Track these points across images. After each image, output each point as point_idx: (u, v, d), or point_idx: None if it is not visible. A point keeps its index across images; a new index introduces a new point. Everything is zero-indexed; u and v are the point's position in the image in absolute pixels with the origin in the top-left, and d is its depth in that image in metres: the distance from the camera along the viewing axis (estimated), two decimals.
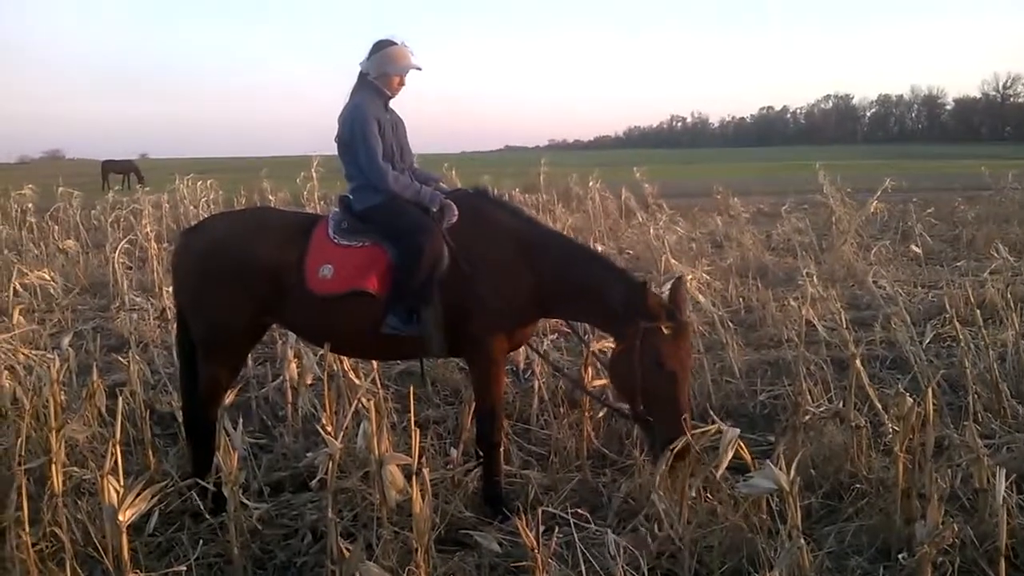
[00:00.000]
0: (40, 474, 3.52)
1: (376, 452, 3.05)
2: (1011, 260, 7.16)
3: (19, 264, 8.19)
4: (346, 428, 3.41)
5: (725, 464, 3.14)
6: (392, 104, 4.11)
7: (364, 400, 3.59)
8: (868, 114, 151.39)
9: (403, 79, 4.06)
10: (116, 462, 2.68)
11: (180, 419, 4.26)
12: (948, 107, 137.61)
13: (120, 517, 2.58)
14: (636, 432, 4.45)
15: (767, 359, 6.20)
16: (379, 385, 4.93)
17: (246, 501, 3.55)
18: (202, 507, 3.66)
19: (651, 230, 9.81)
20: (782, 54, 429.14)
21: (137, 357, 4.83)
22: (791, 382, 4.96)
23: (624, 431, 4.67)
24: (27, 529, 3.07)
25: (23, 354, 4.56)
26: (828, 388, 4.96)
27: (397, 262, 3.79)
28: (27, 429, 3.52)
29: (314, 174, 15.90)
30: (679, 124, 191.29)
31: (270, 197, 18.71)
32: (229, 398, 4.12)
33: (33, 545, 3.11)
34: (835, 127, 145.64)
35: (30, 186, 16.05)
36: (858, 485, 3.85)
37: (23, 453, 3.31)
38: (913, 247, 9.21)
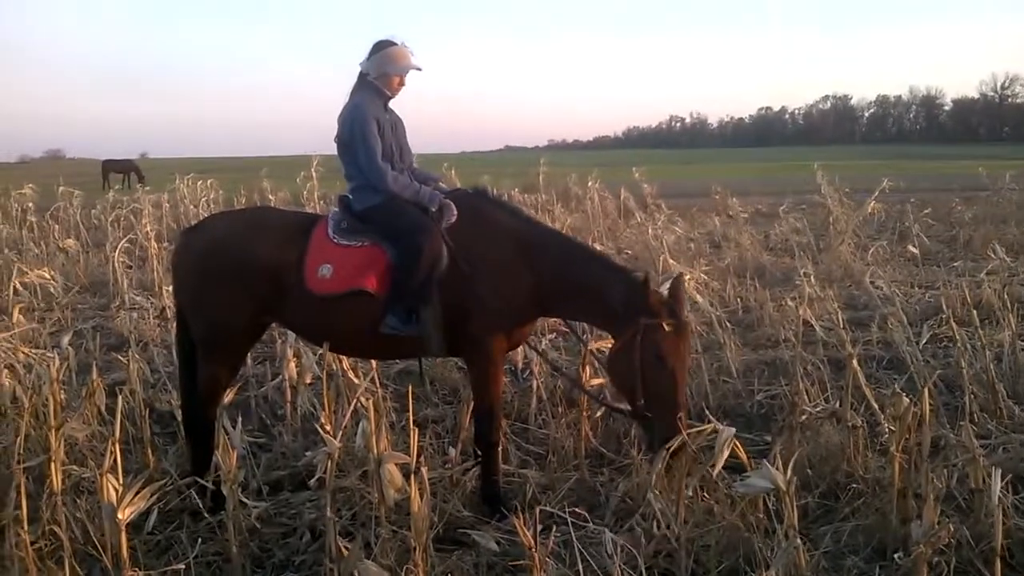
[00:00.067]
0: (39, 472, 3.53)
1: (375, 451, 3.06)
2: (1008, 261, 7.17)
3: (19, 263, 8.20)
4: (345, 427, 3.42)
5: (721, 463, 3.15)
6: (392, 104, 4.12)
7: (363, 399, 3.60)
8: (866, 115, 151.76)
9: (403, 79, 4.07)
10: (115, 460, 2.69)
11: (179, 418, 4.27)
12: (946, 108, 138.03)
13: (119, 515, 2.59)
14: (634, 432, 4.47)
15: (764, 359, 6.22)
16: (378, 384, 4.94)
17: (245, 500, 3.57)
18: (201, 506, 3.68)
19: (649, 230, 9.81)
20: (781, 55, 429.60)
21: (137, 356, 4.83)
22: (788, 382, 4.97)
23: (622, 431, 4.68)
24: (26, 527, 3.08)
25: (23, 352, 4.57)
26: (825, 388, 4.97)
27: (396, 262, 3.80)
28: (26, 427, 3.53)
29: (314, 174, 15.90)
30: (678, 124, 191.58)
31: (270, 197, 18.71)
32: (228, 397, 4.13)
33: (32, 543, 3.11)
34: (833, 128, 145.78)
35: (30, 185, 16.04)
36: (854, 485, 3.86)
37: (22, 451, 3.32)
38: (910, 247, 9.22)
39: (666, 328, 3.49)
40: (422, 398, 5.39)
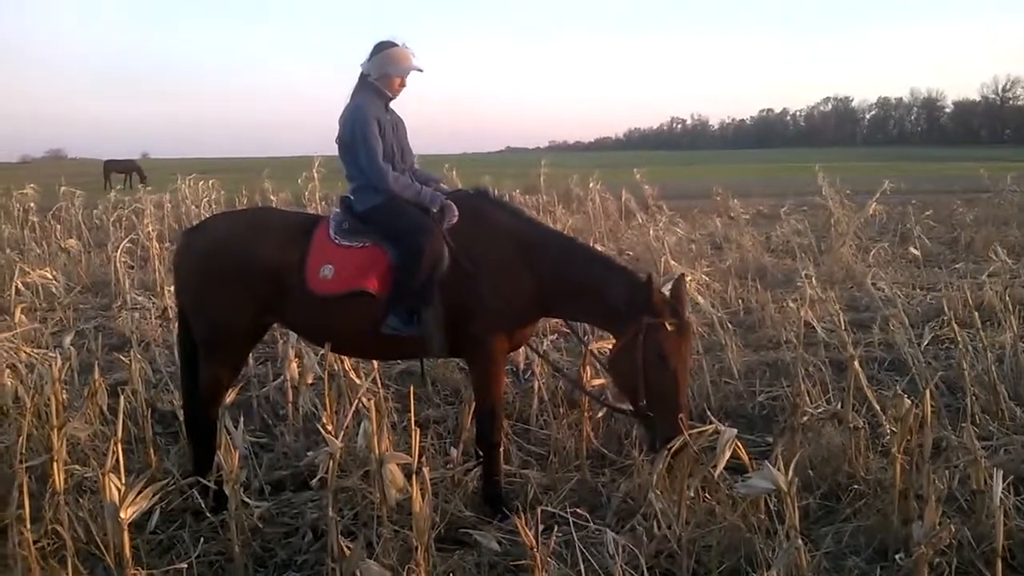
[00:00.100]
0: (42, 472, 3.54)
1: (376, 451, 3.06)
2: (1009, 263, 7.18)
3: (21, 263, 8.19)
4: (346, 427, 3.42)
5: (723, 464, 3.15)
6: (393, 105, 4.13)
7: (364, 399, 3.61)
8: (867, 116, 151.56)
9: (404, 80, 4.07)
10: (117, 460, 2.70)
11: (181, 417, 4.27)
12: (947, 110, 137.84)
13: (121, 515, 2.60)
14: (635, 432, 4.48)
15: (766, 360, 6.22)
16: (379, 385, 4.95)
17: (247, 499, 3.57)
18: (203, 505, 3.69)
19: (651, 231, 9.83)
20: (782, 56, 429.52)
21: (139, 356, 4.84)
22: (790, 383, 4.97)
23: (623, 431, 4.68)
24: (29, 527, 3.08)
25: (25, 352, 4.57)
26: (826, 389, 4.97)
27: (397, 262, 3.80)
28: (29, 427, 3.54)
29: (315, 175, 15.90)
30: (679, 126, 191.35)
31: (272, 197, 18.72)
32: (230, 397, 4.14)
33: (35, 543, 3.12)
34: (834, 129, 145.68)
35: (32, 185, 16.05)
36: (856, 486, 3.86)
37: (25, 451, 3.33)
38: (912, 249, 9.23)
39: (669, 328, 3.50)
40: (424, 398, 5.40)
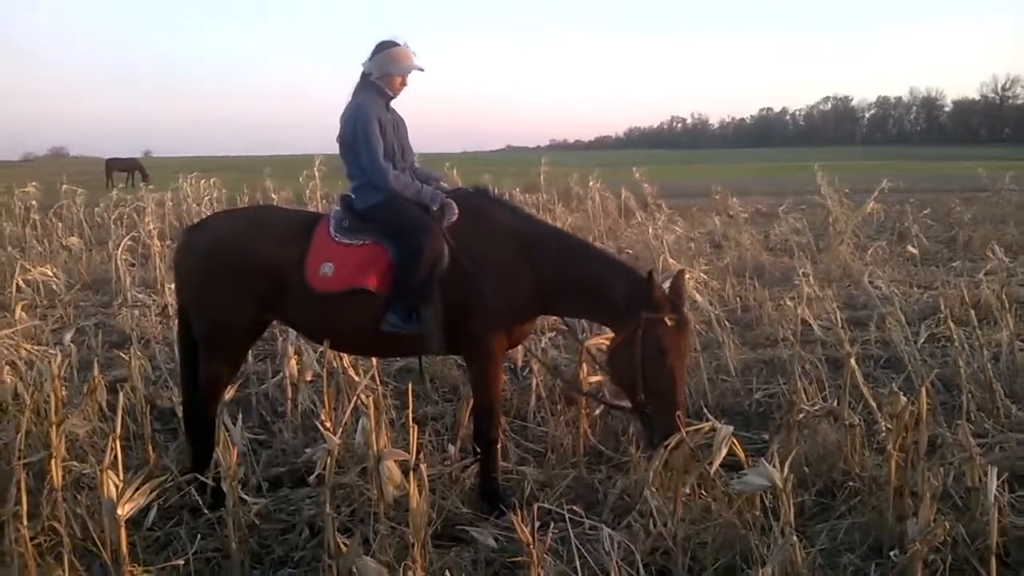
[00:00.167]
0: (40, 468, 3.54)
1: (374, 448, 3.08)
2: (1006, 261, 7.16)
3: (22, 260, 8.23)
4: (345, 424, 3.44)
5: (719, 461, 3.16)
6: (393, 104, 4.14)
7: (363, 396, 3.61)
8: (867, 116, 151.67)
9: (405, 79, 4.08)
10: (116, 457, 2.70)
11: (180, 414, 4.28)
12: (947, 109, 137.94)
13: (119, 511, 2.61)
14: (632, 429, 4.49)
15: (763, 358, 6.24)
16: (378, 382, 4.95)
17: (245, 496, 3.58)
18: (201, 502, 3.70)
19: (650, 230, 9.84)
20: (782, 56, 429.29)
21: (138, 353, 4.86)
22: (786, 381, 4.98)
23: (620, 428, 4.70)
24: (26, 523, 3.08)
25: (25, 349, 4.57)
26: (823, 387, 4.99)
27: (397, 260, 3.81)
28: (28, 424, 3.55)
29: (316, 173, 15.90)
30: (679, 125, 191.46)
31: (273, 196, 18.72)
32: (229, 394, 4.15)
33: (32, 539, 3.12)
34: (834, 128, 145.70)
35: (34, 183, 16.08)
36: (851, 483, 3.88)
37: (23, 447, 3.35)
38: (909, 248, 9.25)
39: (668, 323, 3.51)
40: (422, 395, 5.41)
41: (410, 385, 3.22)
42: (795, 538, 2.88)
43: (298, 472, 4.27)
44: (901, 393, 3.48)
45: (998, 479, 2.94)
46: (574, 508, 3.42)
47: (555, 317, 5.19)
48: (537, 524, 2.68)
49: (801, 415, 4.14)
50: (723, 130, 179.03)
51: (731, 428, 3.21)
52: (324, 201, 15.54)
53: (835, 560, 3.35)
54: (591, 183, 15.38)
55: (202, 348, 3.98)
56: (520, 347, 4.86)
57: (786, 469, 2.90)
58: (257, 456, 4.35)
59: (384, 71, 4.01)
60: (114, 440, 2.74)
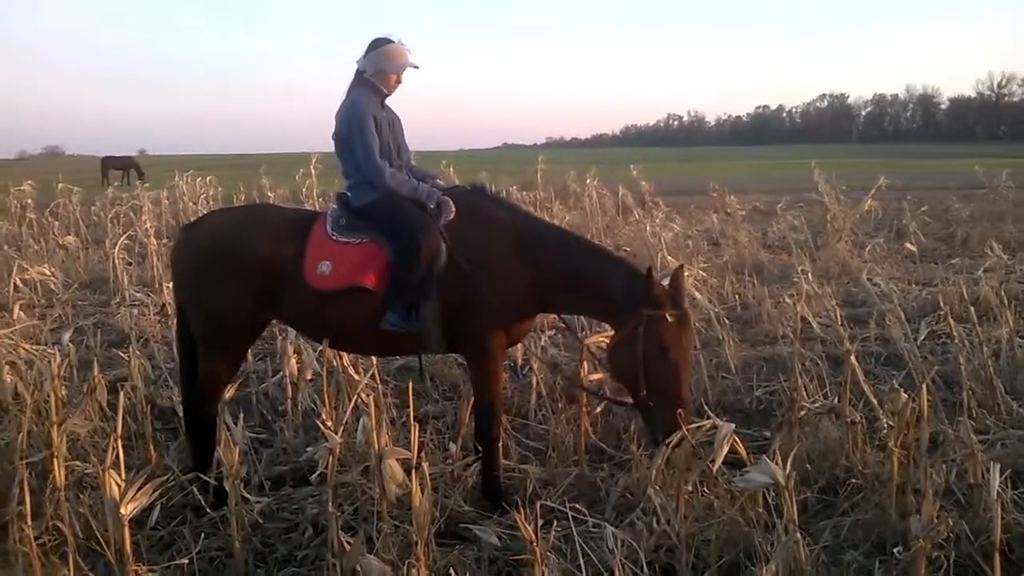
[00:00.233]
0: (42, 468, 3.54)
1: (376, 447, 3.07)
2: (1005, 258, 7.18)
3: (19, 260, 8.20)
4: (346, 423, 3.43)
5: (721, 459, 3.16)
6: (389, 102, 4.13)
7: (363, 395, 3.61)
8: (863, 113, 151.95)
9: (400, 77, 4.07)
10: (117, 456, 2.70)
11: (181, 414, 4.28)
12: (943, 106, 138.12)
13: (122, 511, 2.60)
14: (633, 427, 4.49)
15: (763, 355, 6.24)
16: (378, 380, 4.94)
17: (247, 495, 3.57)
18: (203, 501, 3.69)
19: (647, 227, 9.82)
20: (778, 54, 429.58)
21: (138, 352, 4.85)
22: (787, 378, 4.99)
23: (622, 426, 4.70)
24: (29, 523, 3.08)
25: (24, 349, 4.57)
26: (823, 384, 4.99)
27: (394, 258, 3.80)
28: (29, 424, 3.54)
29: (313, 171, 15.88)
30: (676, 122, 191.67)
31: (269, 194, 18.67)
32: (229, 393, 4.14)
33: (36, 539, 3.12)
34: (830, 126, 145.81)
35: (30, 182, 16.02)
36: (853, 480, 3.88)
37: (25, 447, 3.33)
38: (908, 245, 9.28)
39: (669, 319, 3.51)
40: (422, 394, 5.40)
41: (410, 384, 3.22)
42: (798, 535, 2.88)
43: (300, 471, 4.26)
44: (902, 390, 3.48)
45: (1000, 475, 2.93)
46: (576, 506, 3.41)
47: (554, 315, 5.19)
48: (540, 522, 2.68)
49: (802, 412, 4.15)
50: (719, 128, 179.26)
51: (732, 426, 3.21)
52: (321, 199, 15.52)
53: (839, 557, 3.35)
54: (588, 181, 15.38)
55: (200, 347, 3.97)
56: (520, 345, 4.86)
57: (788, 466, 2.90)
58: (258, 455, 4.35)
59: (379, 68, 4.00)
60: (115, 440, 2.74)
